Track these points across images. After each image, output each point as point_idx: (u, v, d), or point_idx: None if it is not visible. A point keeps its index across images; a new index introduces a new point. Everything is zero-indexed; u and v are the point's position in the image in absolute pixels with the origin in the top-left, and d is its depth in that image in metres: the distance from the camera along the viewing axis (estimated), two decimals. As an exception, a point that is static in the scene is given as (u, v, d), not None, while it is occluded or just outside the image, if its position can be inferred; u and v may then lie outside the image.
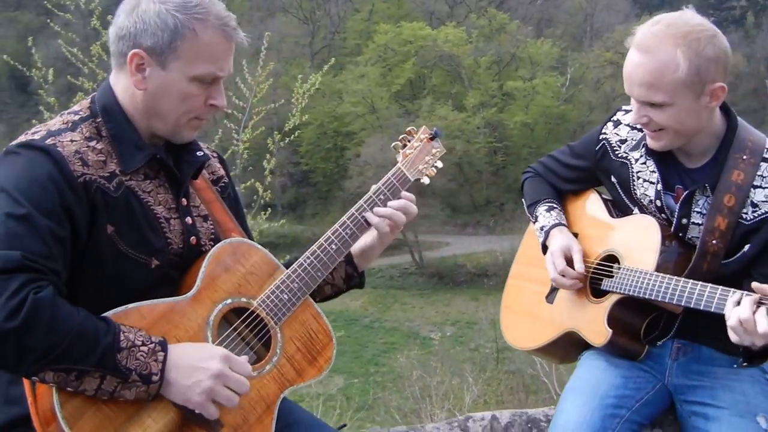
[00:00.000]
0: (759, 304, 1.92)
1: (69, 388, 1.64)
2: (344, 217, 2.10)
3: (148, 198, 1.87)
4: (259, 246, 2.01)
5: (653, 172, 2.32)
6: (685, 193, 2.26)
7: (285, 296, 1.95)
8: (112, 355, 1.64)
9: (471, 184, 37.60)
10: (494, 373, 17.68)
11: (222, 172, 2.18)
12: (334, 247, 2.06)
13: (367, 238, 2.22)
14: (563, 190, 2.64)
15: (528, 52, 40.09)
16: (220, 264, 1.91)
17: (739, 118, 2.26)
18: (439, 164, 2.32)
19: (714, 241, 2.19)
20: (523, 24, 42.38)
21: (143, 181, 1.88)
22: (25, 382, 1.71)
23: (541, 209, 2.59)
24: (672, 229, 2.29)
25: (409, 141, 2.29)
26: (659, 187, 2.30)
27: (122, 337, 1.67)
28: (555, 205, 2.59)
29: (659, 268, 2.22)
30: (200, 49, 1.82)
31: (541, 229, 2.55)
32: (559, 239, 2.47)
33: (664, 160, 2.30)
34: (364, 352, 25.98)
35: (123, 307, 1.76)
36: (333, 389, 21.56)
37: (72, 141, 1.78)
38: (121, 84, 1.87)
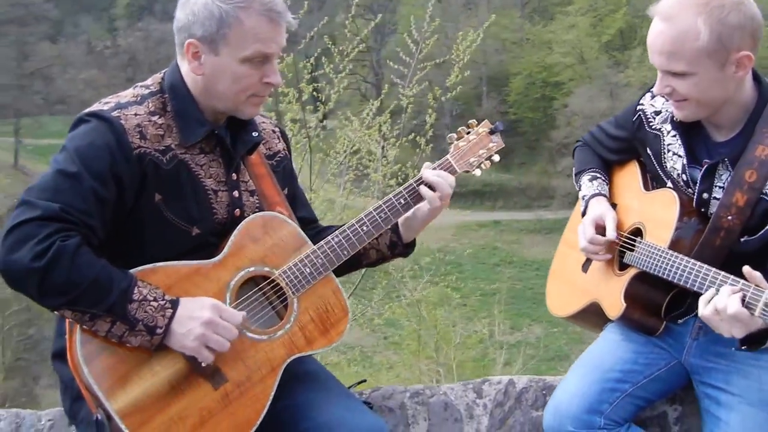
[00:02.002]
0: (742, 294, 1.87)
1: (84, 326, 1.86)
2: (380, 202, 2.20)
3: (199, 171, 2.04)
4: (291, 221, 2.15)
5: (681, 145, 2.23)
6: (704, 167, 2.16)
7: (307, 270, 2.07)
8: (123, 305, 1.83)
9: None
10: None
11: (280, 146, 2.33)
12: (365, 228, 2.16)
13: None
14: (609, 160, 2.60)
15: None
16: (248, 235, 2.06)
17: None
18: (496, 158, 2.33)
19: (729, 217, 2.09)
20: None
21: (198, 155, 2.05)
22: (66, 322, 1.94)
23: (585, 179, 2.57)
24: (694, 204, 2.21)
25: (467, 134, 2.33)
26: (685, 160, 2.22)
27: (136, 291, 1.86)
28: (598, 175, 2.56)
29: (675, 245, 2.17)
30: (246, 34, 1.96)
31: (583, 198, 2.54)
32: (596, 209, 2.45)
33: (691, 132, 2.21)
34: (566, 303, 25.58)
35: (152, 265, 1.93)
36: (532, 338, 21.63)
37: (136, 114, 1.97)
38: (184, 68, 2.09)
